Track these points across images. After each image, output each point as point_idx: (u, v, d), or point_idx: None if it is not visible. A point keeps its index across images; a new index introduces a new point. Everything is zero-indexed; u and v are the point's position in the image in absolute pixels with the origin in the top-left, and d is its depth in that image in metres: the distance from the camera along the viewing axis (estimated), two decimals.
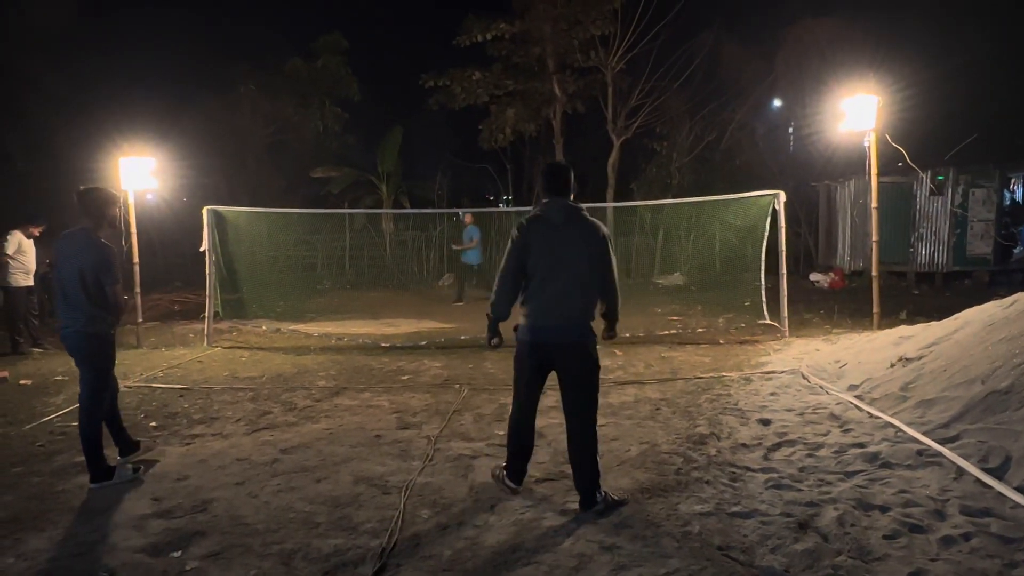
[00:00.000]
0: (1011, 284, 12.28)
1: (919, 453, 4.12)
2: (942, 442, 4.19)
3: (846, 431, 4.72)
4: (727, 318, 10.36)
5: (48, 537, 3.54)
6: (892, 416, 4.82)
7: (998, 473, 3.69)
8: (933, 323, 6.77)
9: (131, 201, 9.02)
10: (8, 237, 8.67)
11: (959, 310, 6.58)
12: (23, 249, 8.75)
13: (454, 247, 14.07)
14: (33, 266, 8.92)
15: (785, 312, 8.79)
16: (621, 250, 17.31)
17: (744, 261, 11.24)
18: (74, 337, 4.26)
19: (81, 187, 4.42)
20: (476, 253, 13.44)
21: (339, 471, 4.35)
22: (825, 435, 4.68)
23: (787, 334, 8.66)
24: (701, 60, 17.30)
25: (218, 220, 9.76)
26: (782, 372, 6.69)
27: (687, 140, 17.70)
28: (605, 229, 3.72)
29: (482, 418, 5.47)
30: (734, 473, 4.08)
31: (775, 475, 4.00)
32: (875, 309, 8.59)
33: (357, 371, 7.51)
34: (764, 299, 9.62)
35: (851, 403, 5.34)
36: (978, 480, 3.67)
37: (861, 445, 4.39)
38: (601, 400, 4.75)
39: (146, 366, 7.88)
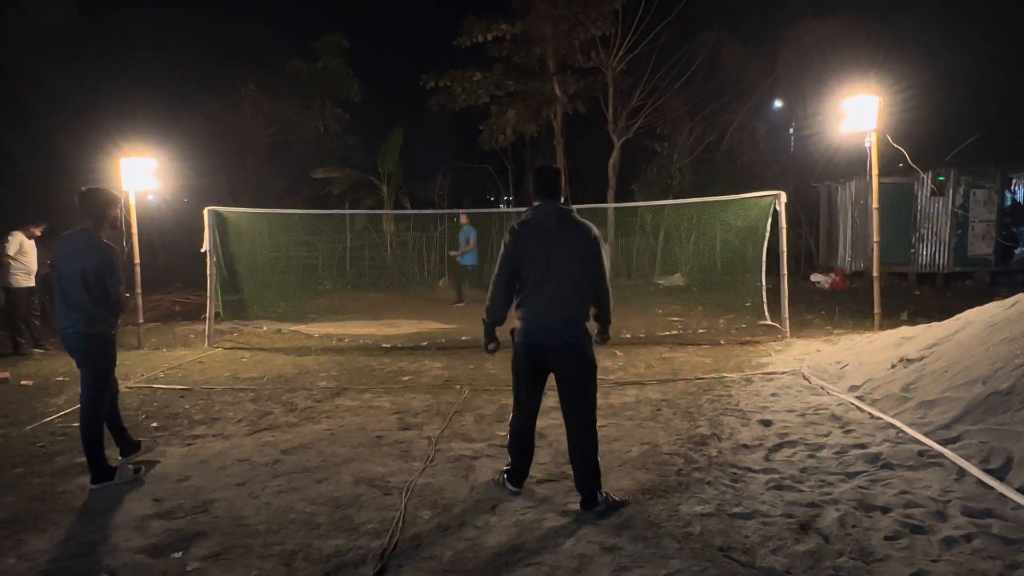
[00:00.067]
0: (1012, 285, 12.26)
1: (920, 454, 4.11)
2: (943, 443, 4.18)
3: (847, 432, 4.71)
4: (728, 319, 10.36)
5: (49, 538, 3.54)
6: (893, 417, 4.81)
7: (999, 474, 3.69)
8: (934, 324, 6.76)
9: (132, 202, 9.03)
10: (9, 238, 8.67)
11: (960, 311, 6.57)
12: (24, 250, 8.76)
13: (452, 255, 13.88)
14: (34, 267, 8.92)
15: (786, 313, 8.79)
16: (622, 251, 17.33)
17: (745, 262, 11.24)
18: (74, 338, 4.26)
19: (82, 188, 4.42)
20: (472, 254, 13.40)
21: (340, 472, 4.35)
22: (826, 436, 4.68)
23: (788, 335, 8.66)
24: (702, 61, 17.30)
25: (219, 221, 9.77)
26: (783, 373, 6.69)
27: (688, 141, 17.69)
28: (596, 230, 3.74)
29: (483, 419, 5.47)
30: (735, 474, 4.07)
31: (776, 476, 4.00)
32: (876, 310, 8.59)
33: (358, 372, 7.52)
34: (765, 300, 9.62)
35: (852, 404, 5.34)
36: (979, 481, 3.67)
37: (862, 446, 4.39)
38: (602, 401, 4.73)
39: (147, 367, 7.88)
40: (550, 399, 3.82)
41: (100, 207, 4.35)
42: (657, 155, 18.12)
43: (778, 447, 4.52)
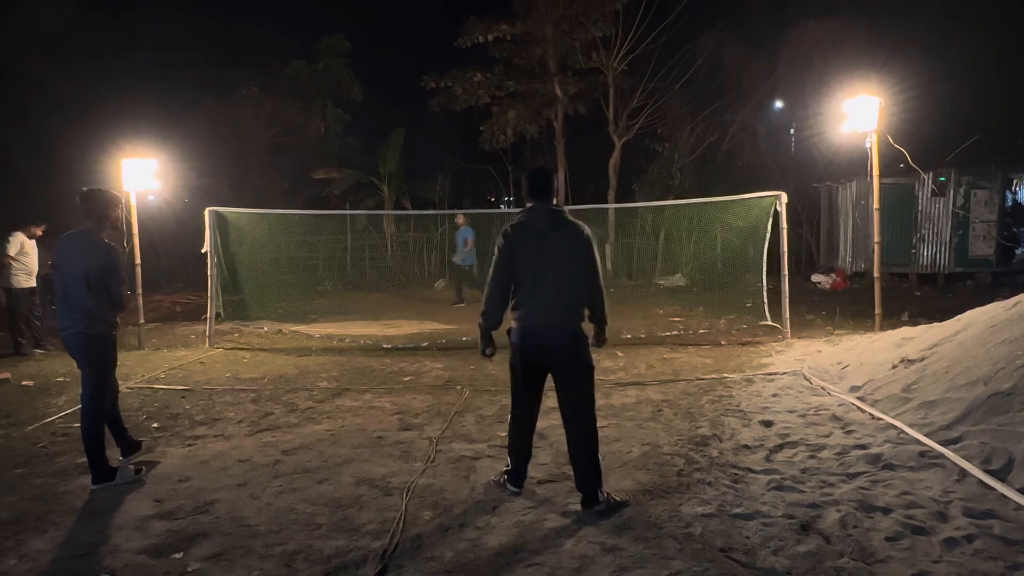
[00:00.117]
0: (1013, 285, 12.25)
1: (921, 455, 4.11)
2: (944, 444, 4.18)
3: (848, 432, 4.71)
4: (729, 319, 10.35)
5: (50, 538, 3.55)
6: (894, 417, 4.81)
7: (1001, 475, 3.68)
8: (935, 324, 6.76)
9: (133, 202, 9.04)
10: (10, 238, 8.68)
11: (961, 311, 6.57)
12: (25, 250, 8.76)
13: (455, 261, 13.70)
14: (36, 267, 8.93)
15: (787, 313, 8.78)
16: (623, 251, 17.35)
17: (746, 262, 11.24)
18: (75, 338, 4.26)
19: (84, 188, 4.43)
20: (471, 255, 13.35)
21: (341, 472, 4.35)
22: (827, 436, 4.68)
23: (789, 335, 8.65)
24: (703, 61, 17.32)
25: (220, 221, 9.78)
26: (784, 373, 6.68)
27: (688, 141, 17.69)
28: (588, 230, 3.76)
29: (484, 419, 5.47)
30: (736, 474, 4.07)
31: (777, 476, 4.00)
32: (877, 310, 8.58)
33: (359, 372, 7.52)
34: (766, 300, 9.62)
35: (853, 404, 5.33)
36: (981, 482, 3.66)
37: (863, 447, 4.38)
38: (603, 402, 4.73)
39: (148, 367, 7.88)
40: (551, 399, 3.82)
41: (102, 208, 4.36)
42: (658, 156, 18.13)
43: (779, 448, 4.52)
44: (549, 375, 3.76)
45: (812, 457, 4.31)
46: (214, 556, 3.30)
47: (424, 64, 22.96)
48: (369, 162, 20.83)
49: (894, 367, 5.75)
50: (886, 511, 3.45)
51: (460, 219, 13.56)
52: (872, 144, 8.61)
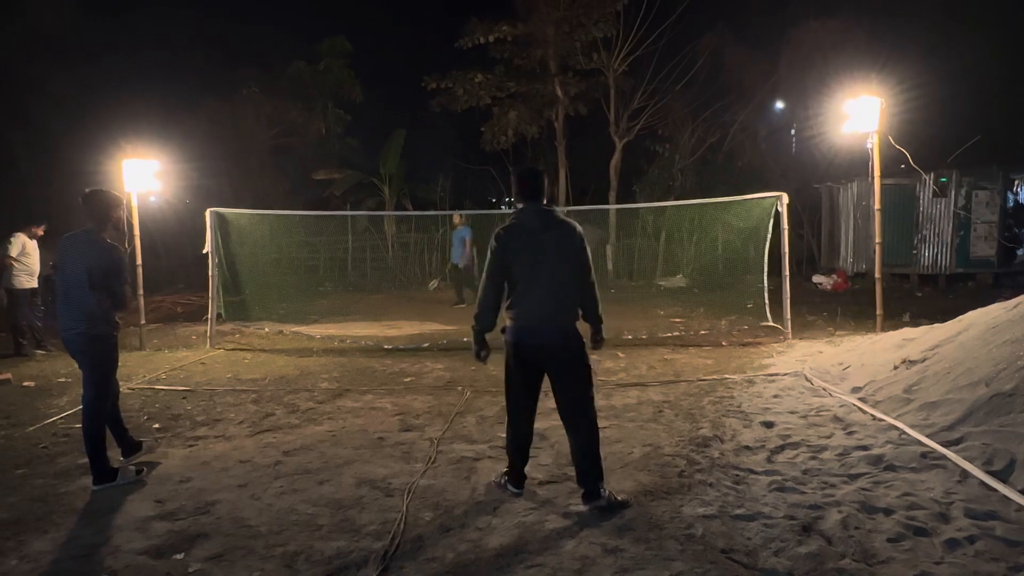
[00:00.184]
0: (1015, 286, 12.23)
1: (923, 456, 4.10)
2: (946, 445, 4.17)
3: (849, 433, 4.70)
4: (730, 320, 10.35)
5: (51, 539, 3.55)
6: (896, 418, 4.80)
7: (1003, 476, 3.68)
8: (937, 325, 6.75)
9: (135, 203, 9.04)
10: (12, 239, 8.68)
11: (963, 312, 6.56)
12: (27, 251, 8.77)
13: (459, 264, 13.46)
14: (37, 268, 8.93)
15: (788, 314, 8.78)
16: (624, 252, 17.33)
17: (747, 263, 11.24)
18: (76, 339, 4.27)
19: (86, 189, 4.44)
20: (467, 255, 13.30)
21: (342, 473, 4.35)
22: (828, 437, 4.67)
23: (790, 336, 8.65)
24: (703, 62, 17.31)
25: (221, 222, 9.78)
26: (785, 374, 6.68)
27: (689, 142, 17.70)
28: (580, 229, 3.77)
29: (485, 420, 5.47)
30: (737, 475, 4.07)
31: (778, 477, 3.99)
32: (878, 311, 8.57)
33: (360, 373, 7.52)
34: (767, 301, 9.60)
35: (854, 405, 5.33)
36: (982, 483, 3.66)
37: (865, 447, 4.38)
38: (604, 402, 4.72)
39: (149, 368, 7.89)
40: (551, 400, 3.82)
41: (104, 209, 4.37)
42: (659, 156, 18.13)
43: (780, 449, 4.51)
44: (546, 376, 3.76)
45: (813, 458, 4.30)
46: (215, 557, 3.30)
47: (425, 65, 22.94)
48: (370, 163, 20.85)
49: (895, 368, 5.75)
50: (888, 512, 3.45)
51: (457, 219, 13.53)
52: (873, 145, 8.60)
